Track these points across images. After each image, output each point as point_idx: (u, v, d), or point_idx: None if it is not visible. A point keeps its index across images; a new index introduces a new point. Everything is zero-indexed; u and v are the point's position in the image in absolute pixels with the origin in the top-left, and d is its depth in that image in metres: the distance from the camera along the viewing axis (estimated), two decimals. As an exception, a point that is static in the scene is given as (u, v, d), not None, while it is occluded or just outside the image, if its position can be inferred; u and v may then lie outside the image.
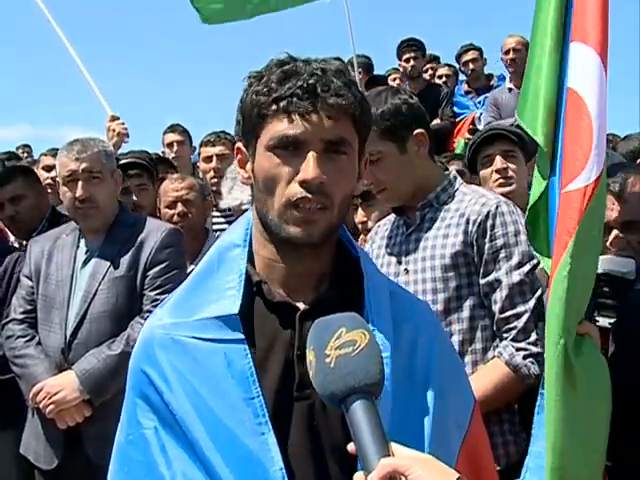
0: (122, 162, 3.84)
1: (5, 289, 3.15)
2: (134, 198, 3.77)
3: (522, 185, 3.15)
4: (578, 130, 1.71)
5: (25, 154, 7.88)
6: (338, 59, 1.42)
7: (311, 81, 1.21)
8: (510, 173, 3.13)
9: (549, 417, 1.67)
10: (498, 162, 3.14)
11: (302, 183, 1.21)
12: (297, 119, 1.21)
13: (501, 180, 3.12)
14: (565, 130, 1.76)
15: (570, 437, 1.65)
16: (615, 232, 2.08)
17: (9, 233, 3.96)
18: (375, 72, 7.05)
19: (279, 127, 1.22)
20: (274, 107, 1.22)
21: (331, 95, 1.21)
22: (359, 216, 3.21)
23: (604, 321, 2.01)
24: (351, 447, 1.06)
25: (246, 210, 2.41)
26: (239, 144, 1.34)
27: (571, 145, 1.73)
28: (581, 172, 1.68)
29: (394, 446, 1.04)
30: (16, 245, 3.79)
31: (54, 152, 4.72)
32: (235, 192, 2.39)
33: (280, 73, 1.23)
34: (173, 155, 5.07)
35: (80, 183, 2.83)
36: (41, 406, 2.71)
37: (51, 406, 2.69)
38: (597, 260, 1.79)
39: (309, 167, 1.21)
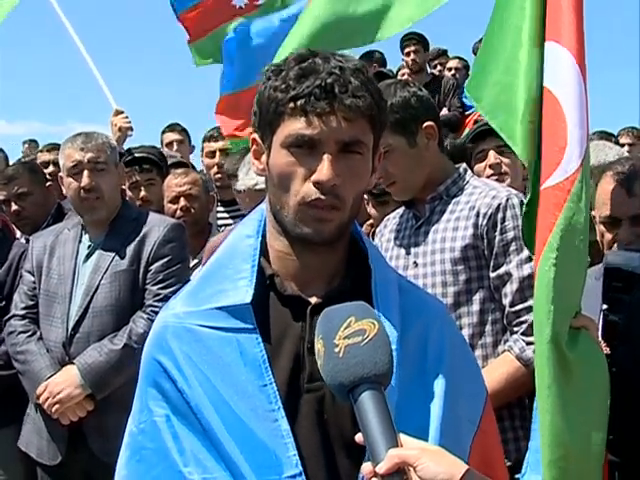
0: (135, 156, 3.85)
1: (11, 284, 3.14)
2: (143, 193, 3.77)
3: (516, 180, 3.14)
4: (553, 128, 1.74)
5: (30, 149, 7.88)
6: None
7: (329, 80, 1.21)
8: (504, 168, 3.12)
9: (542, 412, 1.69)
10: (491, 157, 3.13)
11: (316, 184, 1.22)
12: (314, 119, 1.21)
13: (495, 175, 3.11)
14: (542, 128, 1.79)
15: (564, 430, 1.66)
16: (624, 226, 2.07)
17: (16, 229, 3.96)
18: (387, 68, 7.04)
19: (296, 126, 1.22)
20: (291, 105, 1.22)
21: (348, 96, 1.21)
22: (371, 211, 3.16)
23: (614, 316, 2.00)
24: (359, 438, 1.05)
25: (260, 190, 2.42)
26: (255, 135, 1.34)
27: (547, 143, 1.76)
28: (557, 168, 1.71)
29: (403, 437, 1.03)
30: (23, 241, 3.79)
31: (50, 147, 4.72)
32: (252, 173, 2.41)
33: (298, 70, 1.23)
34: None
35: (86, 172, 2.83)
36: (45, 406, 2.70)
37: (56, 406, 2.69)
38: (585, 255, 1.79)
39: (324, 169, 1.21)
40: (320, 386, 1.24)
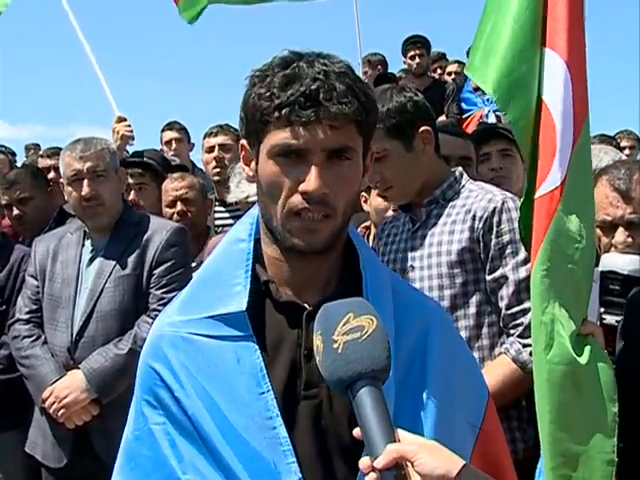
0: (127, 160, 3.87)
1: (11, 288, 3.15)
2: (132, 197, 3.77)
3: (518, 184, 3.14)
4: (544, 137, 1.76)
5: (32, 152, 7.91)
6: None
7: (313, 87, 1.18)
8: (506, 172, 3.13)
9: (542, 421, 1.70)
10: (494, 161, 3.13)
11: (304, 194, 1.21)
12: (299, 129, 1.19)
13: (496, 179, 3.11)
14: (538, 136, 1.80)
15: (564, 439, 1.67)
16: (620, 230, 2.08)
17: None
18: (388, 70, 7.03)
19: (281, 135, 1.21)
20: (276, 114, 1.20)
21: (334, 103, 1.18)
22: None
23: (611, 319, 2.01)
24: (357, 432, 1.06)
25: (253, 203, 2.43)
26: (243, 141, 1.33)
27: (541, 151, 1.78)
28: (546, 177, 1.73)
29: (400, 432, 1.05)
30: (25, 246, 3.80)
31: (50, 152, 4.74)
32: (243, 185, 2.40)
33: (282, 77, 1.21)
34: (172, 153, 5.05)
35: (85, 182, 2.84)
36: (51, 411, 2.72)
37: (62, 410, 2.70)
38: (587, 262, 1.78)
39: (311, 179, 1.20)
40: (317, 393, 1.25)
